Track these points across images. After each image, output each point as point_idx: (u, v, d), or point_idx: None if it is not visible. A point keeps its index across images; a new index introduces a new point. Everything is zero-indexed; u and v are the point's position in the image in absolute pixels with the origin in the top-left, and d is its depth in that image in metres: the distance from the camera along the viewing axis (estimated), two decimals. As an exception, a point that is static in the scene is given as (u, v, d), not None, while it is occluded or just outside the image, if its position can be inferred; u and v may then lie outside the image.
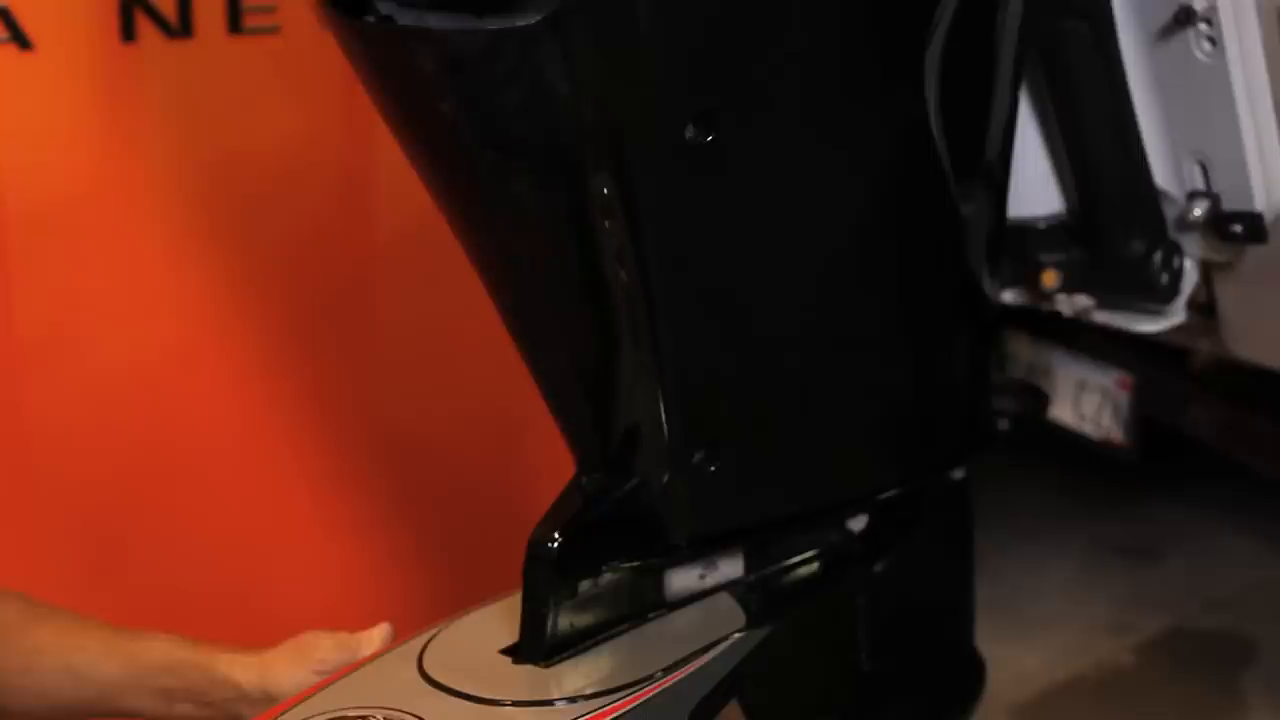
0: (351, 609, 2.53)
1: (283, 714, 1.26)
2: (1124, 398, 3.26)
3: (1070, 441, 3.44)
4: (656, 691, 1.28)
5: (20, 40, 2.16)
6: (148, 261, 2.37)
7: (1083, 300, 1.77)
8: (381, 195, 2.50)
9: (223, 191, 2.38)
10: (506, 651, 1.32)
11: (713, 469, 1.32)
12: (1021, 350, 3.32)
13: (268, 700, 1.38)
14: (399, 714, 1.24)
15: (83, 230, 2.32)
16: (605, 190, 1.23)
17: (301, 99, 2.42)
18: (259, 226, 2.42)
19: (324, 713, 1.25)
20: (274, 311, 2.46)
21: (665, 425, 1.30)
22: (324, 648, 1.43)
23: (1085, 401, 3.33)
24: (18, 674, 1.48)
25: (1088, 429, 3.34)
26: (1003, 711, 2.82)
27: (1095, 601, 3.30)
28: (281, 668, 1.43)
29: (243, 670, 1.44)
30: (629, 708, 1.25)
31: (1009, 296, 1.79)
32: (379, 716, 1.24)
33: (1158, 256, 1.70)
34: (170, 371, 2.42)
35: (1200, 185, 1.67)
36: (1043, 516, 3.61)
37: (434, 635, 1.37)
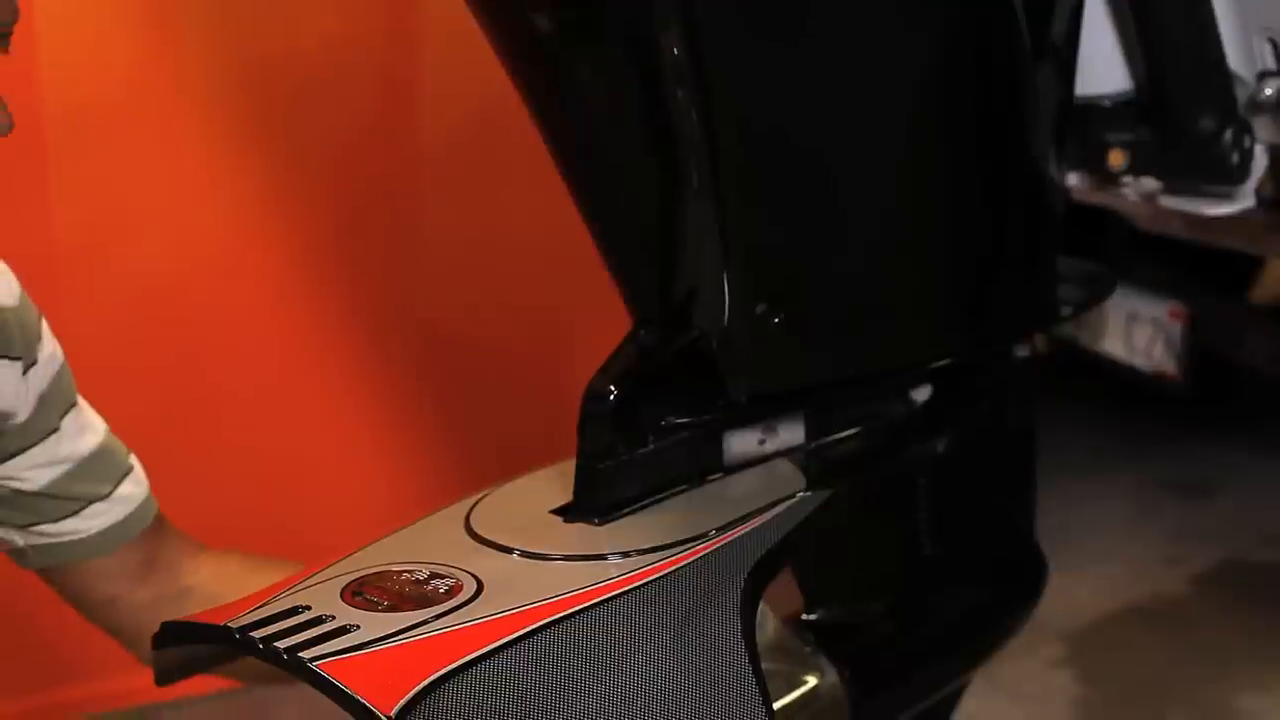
0: (396, 515, 2.50)
1: (326, 567, 1.22)
2: (1176, 329, 3.19)
3: (1121, 380, 3.39)
4: (711, 549, 1.23)
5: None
6: (187, 165, 2.34)
7: (1150, 183, 1.72)
8: (425, 97, 2.46)
9: (264, 93, 2.35)
10: (557, 512, 1.28)
11: (775, 321, 1.27)
12: (1072, 281, 3.25)
13: None
14: (446, 568, 1.19)
15: (122, 132, 2.29)
16: (675, 46, 1.19)
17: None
18: (301, 129, 2.39)
19: (369, 567, 1.21)
20: (316, 215, 2.43)
21: (727, 276, 1.25)
22: None
23: (1136, 333, 3.27)
24: None
25: (1139, 362, 3.28)
26: (1054, 639, 2.77)
27: (1147, 536, 3.25)
28: None
29: None
30: (683, 564, 1.20)
31: (1074, 180, 1.74)
32: (425, 571, 1.19)
33: (1228, 135, 1.65)
34: (209, 277, 2.40)
35: (1271, 64, 1.62)
36: (1093, 454, 3.56)
37: (481, 498, 1.33)
